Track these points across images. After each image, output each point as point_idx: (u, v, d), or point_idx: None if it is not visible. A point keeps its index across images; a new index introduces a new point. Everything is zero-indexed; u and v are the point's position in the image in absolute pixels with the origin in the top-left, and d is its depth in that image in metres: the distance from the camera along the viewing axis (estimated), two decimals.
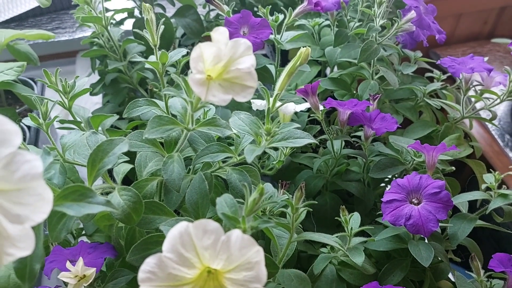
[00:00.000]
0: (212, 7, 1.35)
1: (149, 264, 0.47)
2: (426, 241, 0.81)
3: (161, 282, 0.48)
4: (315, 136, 0.87)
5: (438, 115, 1.17)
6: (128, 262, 0.67)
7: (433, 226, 0.73)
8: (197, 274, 0.49)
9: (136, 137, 0.72)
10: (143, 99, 0.76)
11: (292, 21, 1.06)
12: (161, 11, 1.31)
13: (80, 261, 0.66)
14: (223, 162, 0.78)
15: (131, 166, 0.85)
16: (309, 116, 1.09)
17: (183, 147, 0.74)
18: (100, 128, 0.93)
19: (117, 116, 0.96)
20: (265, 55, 1.51)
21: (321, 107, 0.92)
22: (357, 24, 1.16)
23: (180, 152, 0.73)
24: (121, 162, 0.75)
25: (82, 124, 0.90)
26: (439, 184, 0.76)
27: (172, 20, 1.28)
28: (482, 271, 0.81)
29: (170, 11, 1.34)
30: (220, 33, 0.54)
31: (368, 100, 1.00)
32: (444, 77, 1.17)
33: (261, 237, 0.84)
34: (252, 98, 0.79)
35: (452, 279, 0.87)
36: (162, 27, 0.74)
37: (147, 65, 0.78)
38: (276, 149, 0.85)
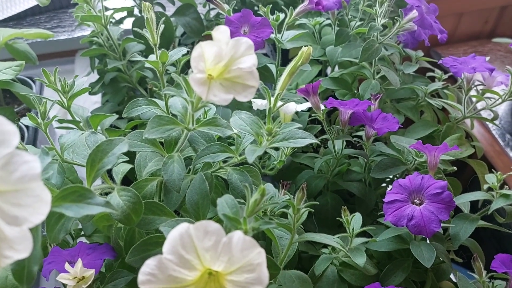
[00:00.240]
0: (212, 6, 1.34)
1: (149, 266, 0.47)
2: (427, 241, 0.80)
3: (161, 284, 0.47)
4: (316, 136, 0.87)
5: (439, 115, 1.16)
6: (128, 263, 0.66)
7: (435, 226, 0.73)
8: (197, 276, 0.49)
9: (135, 137, 0.72)
10: (143, 99, 0.75)
11: (293, 20, 1.06)
12: (160, 9, 1.30)
13: (79, 263, 0.65)
14: (224, 162, 0.77)
15: (130, 166, 0.84)
16: (310, 116, 1.08)
17: (183, 147, 0.73)
18: (99, 128, 0.93)
19: (117, 116, 0.95)
20: (265, 54, 1.50)
21: (322, 107, 0.91)
22: (358, 23, 1.15)
23: (180, 152, 0.72)
24: (120, 162, 0.75)
25: (81, 124, 0.89)
26: (441, 184, 0.75)
27: (172, 19, 1.27)
28: (484, 272, 0.80)
29: (170, 10, 1.34)
30: (221, 32, 0.53)
31: (370, 99, 0.99)
32: (445, 76, 1.16)
33: (262, 238, 0.83)
34: (253, 98, 0.78)
35: (454, 280, 0.86)
36: (162, 26, 0.73)
37: (147, 64, 0.78)
38: (277, 149, 0.84)
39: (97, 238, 0.89)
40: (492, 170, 0.90)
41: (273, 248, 0.76)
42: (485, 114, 1.38)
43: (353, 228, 0.79)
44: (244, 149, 0.73)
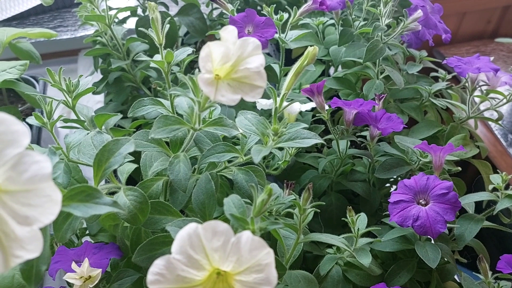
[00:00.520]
0: (215, 5, 1.34)
1: (157, 266, 0.47)
2: (432, 242, 0.80)
3: (169, 284, 0.47)
4: (319, 136, 0.87)
5: (443, 115, 1.16)
6: (133, 262, 0.66)
7: (441, 227, 0.73)
8: (206, 276, 0.49)
9: (141, 136, 0.72)
10: (148, 99, 0.75)
11: (296, 20, 1.06)
12: (164, 9, 1.30)
13: (86, 262, 0.66)
14: (229, 162, 0.77)
15: (135, 165, 0.84)
16: (313, 116, 1.08)
17: (188, 147, 0.73)
18: (103, 127, 0.93)
19: (121, 115, 0.95)
20: (267, 54, 1.50)
21: (326, 107, 0.91)
22: (362, 23, 1.15)
23: (186, 152, 0.72)
24: (125, 162, 0.75)
25: (86, 123, 0.90)
26: (447, 185, 0.75)
27: (175, 19, 1.27)
28: (489, 273, 0.80)
29: (173, 9, 1.34)
30: (228, 32, 0.53)
31: (374, 99, 0.99)
32: (449, 76, 1.16)
33: (267, 237, 0.83)
34: None
35: (458, 280, 0.86)
36: (168, 26, 0.73)
37: (152, 64, 0.78)
38: (281, 149, 0.84)
39: (102, 238, 0.89)
40: (498, 171, 0.90)
41: (278, 248, 0.76)
42: (487, 114, 1.38)
43: (358, 228, 0.79)
44: (249, 149, 0.74)
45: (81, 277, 0.65)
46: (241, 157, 0.74)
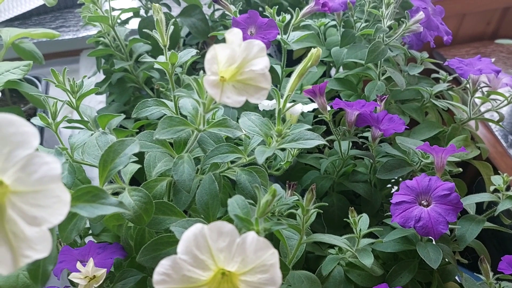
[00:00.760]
0: (217, 6, 1.35)
1: (163, 266, 0.47)
2: (433, 242, 0.80)
3: (175, 284, 0.48)
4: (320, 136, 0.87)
5: (444, 116, 1.16)
6: (137, 262, 0.67)
7: (443, 228, 0.73)
8: (211, 276, 0.49)
9: (145, 137, 0.72)
10: (152, 100, 0.75)
11: (299, 22, 1.06)
12: (166, 10, 1.30)
13: (91, 262, 0.66)
14: (231, 162, 0.78)
15: (138, 166, 0.85)
16: (315, 117, 1.09)
17: (192, 147, 0.74)
18: (106, 128, 0.93)
19: (124, 116, 0.95)
20: (269, 55, 1.50)
21: (328, 108, 0.92)
22: (364, 24, 1.16)
23: (190, 153, 0.73)
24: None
25: (89, 124, 0.90)
26: (448, 186, 0.76)
27: (178, 20, 1.28)
28: (490, 273, 0.81)
29: (175, 10, 1.34)
30: (234, 34, 0.54)
31: (375, 101, 0.99)
32: (449, 78, 1.17)
33: (269, 238, 0.83)
34: None
35: (459, 281, 0.87)
36: (172, 27, 0.73)
37: (155, 65, 0.78)
38: (283, 149, 0.85)
39: (105, 237, 0.89)
40: (499, 172, 0.91)
41: (281, 248, 0.76)
42: (488, 115, 1.39)
43: (360, 229, 0.79)
44: (252, 150, 0.74)
45: (86, 277, 0.65)
46: (244, 158, 0.74)
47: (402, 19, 1.02)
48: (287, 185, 0.82)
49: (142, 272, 0.75)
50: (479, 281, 0.82)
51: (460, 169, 0.95)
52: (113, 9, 1.15)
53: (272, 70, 1.10)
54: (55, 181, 0.38)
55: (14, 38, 1.13)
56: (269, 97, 0.79)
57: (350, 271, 0.81)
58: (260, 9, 1.39)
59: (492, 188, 0.88)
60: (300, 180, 1.02)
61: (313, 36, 1.23)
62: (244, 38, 0.56)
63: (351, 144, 0.95)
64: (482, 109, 1.08)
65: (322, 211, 0.77)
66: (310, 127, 0.70)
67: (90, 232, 0.91)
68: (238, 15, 1.03)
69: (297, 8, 1.05)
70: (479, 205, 0.92)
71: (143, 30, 0.99)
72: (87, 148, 0.69)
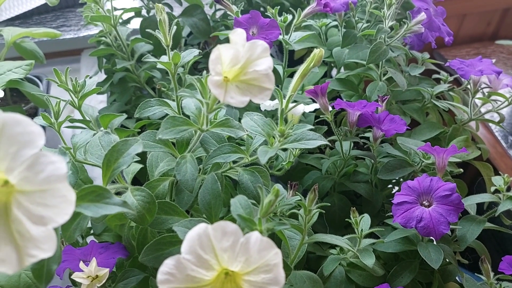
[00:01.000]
0: (218, 6, 1.35)
1: (167, 265, 0.47)
2: (434, 243, 0.81)
3: (179, 284, 0.48)
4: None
5: (444, 117, 1.17)
6: (139, 262, 0.67)
7: (444, 228, 0.73)
8: (215, 276, 0.49)
9: (148, 137, 0.72)
10: (155, 99, 0.75)
11: (300, 22, 1.06)
12: (167, 10, 1.30)
13: (94, 262, 0.66)
14: (234, 162, 0.78)
15: (141, 166, 0.85)
16: (316, 117, 1.09)
17: (194, 147, 0.74)
18: (108, 127, 0.93)
19: (126, 116, 0.96)
20: (270, 55, 1.50)
21: (329, 108, 0.92)
22: (365, 25, 1.16)
23: (192, 153, 0.73)
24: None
25: (91, 124, 0.90)
26: (450, 186, 0.76)
27: (179, 19, 1.28)
28: (491, 274, 0.81)
29: (176, 9, 1.34)
30: (238, 35, 0.54)
31: (377, 101, 1.00)
32: (450, 78, 1.17)
33: (270, 238, 0.83)
34: None
35: (460, 281, 0.87)
36: (175, 28, 0.73)
37: (158, 65, 0.78)
38: (285, 150, 0.85)
39: (106, 237, 0.89)
40: (500, 172, 0.91)
41: (282, 248, 0.76)
42: (488, 116, 1.39)
43: (362, 229, 0.79)
44: (254, 150, 0.74)
45: (89, 277, 0.65)
46: (247, 157, 0.75)
47: (403, 19, 1.03)
48: (288, 185, 0.82)
49: (144, 271, 0.75)
50: (480, 281, 0.82)
51: (461, 170, 0.95)
52: (115, 9, 1.15)
53: (273, 70, 1.09)
54: (61, 181, 0.39)
55: (16, 38, 1.13)
56: (271, 97, 0.80)
57: (351, 271, 0.81)
58: (262, 9, 1.39)
59: (492, 188, 0.88)
60: (301, 180, 1.03)
61: (315, 37, 1.23)
62: (246, 39, 0.56)
63: (352, 144, 0.96)
64: (483, 110, 1.09)
65: (324, 211, 0.77)
66: (312, 127, 0.70)
67: (92, 231, 0.91)
68: (240, 15, 1.03)
69: (299, 9, 1.05)
70: (479, 206, 0.93)
71: (145, 30, 0.99)
72: (90, 148, 0.69)
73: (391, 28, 1.05)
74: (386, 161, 0.94)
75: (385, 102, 0.98)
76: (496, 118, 1.14)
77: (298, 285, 0.70)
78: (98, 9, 1.08)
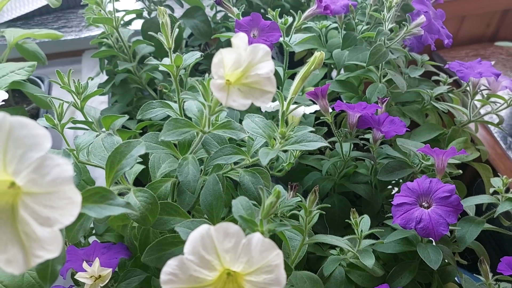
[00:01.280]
0: (219, 8, 1.36)
1: (171, 266, 0.48)
2: (434, 243, 0.81)
3: (182, 284, 0.48)
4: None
5: (444, 118, 1.18)
6: (140, 262, 0.68)
7: (443, 229, 0.74)
8: (217, 276, 0.50)
9: (150, 138, 0.73)
10: (157, 101, 0.76)
11: (301, 24, 1.07)
12: (169, 11, 1.31)
13: (97, 262, 0.67)
14: (235, 163, 0.79)
15: (142, 167, 0.86)
16: (317, 118, 1.10)
17: (196, 149, 0.74)
18: (110, 128, 0.94)
19: (128, 117, 0.96)
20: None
21: (330, 110, 0.93)
22: (365, 27, 1.17)
23: (194, 154, 0.73)
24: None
25: (93, 125, 0.91)
26: (449, 188, 0.77)
27: (180, 21, 1.28)
28: (490, 274, 0.82)
29: (177, 11, 1.35)
30: (240, 39, 0.55)
31: (377, 103, 1.00)
32: (450, 80, 1.18)
33: (271, 238, 0.84)
34: None
35: (459, 282, 0.88)
36: (177, 30, 0.74)
37: (160, 67, 0.79)
38: (285, 151, 0.86)
39: (108, 237, 0.90)
40: (498, 174, 0.92)
41: (283, 249, 0.77)
42: (487, 117, 1.40)
43: (362, 230, 0.80)
44: (255, 151, 0.75)
45: (92, 277, 0.66)
46: (248, 159, 0.75)
47: (403, 22, 1.03)
48: (289, 186, 0.83)
49: (146, 271, 0.76)
50: (479, 282, 0.83)
51: (460, 171, 0.96)
52: (117, 10, 1.16)
53: (274, 72, 1.10)
54: (68, 183, 0.39)
55: (18, 39, 1.14)
56: (272, 99, 0.80)
57: (351, 271, 0.82)
58: (262, 11, 1.40)
59: (491, 190, 0.89)
60: (301, 181, 1.03)
61: (315, 38, 1.24)
62: (255, 43, 0.57)
63: (352, 145, 0.96)
64: (482, 111, 1.09)
65: (324, 212, 0.78)
66: (312, 129, 0.71)
67: (94, 232, 0.92)
68: (240, 17, 1.04)
69: (299, 11, 1.06)
70: (478, 207, 0.93)
71: (147, 31, 1.00)
72: (93, 149, 0.70)
73: (391, 30, 1.05)
74: (385, 162, 0.94)
75: (385, 103, 0.99)
76: (495, 119, 1.15)
77: (298, 285, 0.71)
78: (100, 11, 1.08)
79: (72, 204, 0.40)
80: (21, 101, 1.35)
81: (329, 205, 0.74)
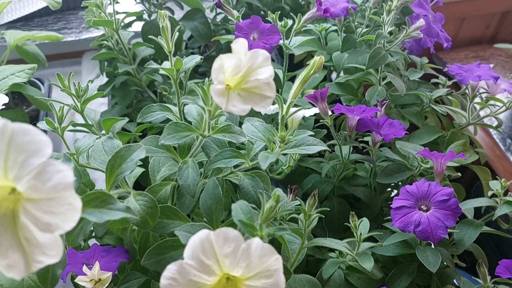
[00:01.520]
0: (219, 10, 1.36)
1: (170, 270, 0.48)
2: (432, 246, 0.82)
3: None
4: (321, 141, 0.89)
5: (443, 121, 1.18)
6: (140, 265, 0.68)
7: (442, 233, 0.74)
8: (216, 281, 0.50)
9: (150, 142, 0.73)
10: (157, 105, 0.76)
11: (301, 27, 1.07)
12: (169, 14, 1.31)
13: (97, 265, 0.67)
14: (234, 167, 0.79)
15: (142, 170, 0.86)
16: (316, 121, 1.10)
17: (196, 152, 0.75)
18: (110, 131, 0.94)
19: (127, 119, 0.97)
20: None
21: (329, 113, 0.93)
22: (365, 30, 1.17)
23: (193, 158, 0.74)
24: None
25: (93, 128, 0.91)
26: (448, 191, 0.77)
27: (180, 23, 1.29)
28: (488, 277, 0.82)
29: (177, 13, 1.35)
30: (240, 44, 0.55)
31: (376, 105, 1.01)
32: (449, 83, 1.18)
33: (270, 241, 0.84)
34: None
35: (457, 284, 0.88)
36: (177, 34, 0.74)
37: (160, 70, 0.79)
38: (285, 154, 0.86)
39: (107, 240, 0.90)
40: (497, 177, 0.92)
41: (282, 252, 0.77)
42: (486, 120, 1.40)
43: (361, 233, 0.80)
44: (255, 155, 0.75)
45: (92, 280, 0.66)
46: (247, 162, 0.76)
47: (402, 25, 1.04)
48: (288, 189, 0.83)
49: (145, 275, 0.76)
50: (477, 284, 0.83)
51: (459, 174, 0.96)
52: (117, 12, 1.16)
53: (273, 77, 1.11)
54: (68, 189, 0.40)
55: (18, 41, 1.14)
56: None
57: (350, 274, 0.82)
58: (262, 13, 1.40)
59: (490, 193, 0.89)
60: (301, 184, 1.03)
61: (315, 41, 1.24)
62: (247, 44, 0.57)
63: (351, 148, 0.97)
64: (481, 113, 1.10)
65: (323, 215, 0.78)
66: (312, 133, 0.71)
67: (93, 234, 0.92)
68: (240, 20, 1.04)
69: (299, 14, 1.06)
70: (477, 209, 0.94)
71: (147, 34, 1.00)
72: (93, 153, 0.70)
73: (390, 33, 1.06)
74: (385, 165, 0.95)
75: (384, 106, 0.99)
76: (494, 122, 1.15)
77: None
78: (100, 13, 1.09)
79: (72, 210, 0.40)
80: (20, 103, 1.35)
81: (328, 209, 0.74)
